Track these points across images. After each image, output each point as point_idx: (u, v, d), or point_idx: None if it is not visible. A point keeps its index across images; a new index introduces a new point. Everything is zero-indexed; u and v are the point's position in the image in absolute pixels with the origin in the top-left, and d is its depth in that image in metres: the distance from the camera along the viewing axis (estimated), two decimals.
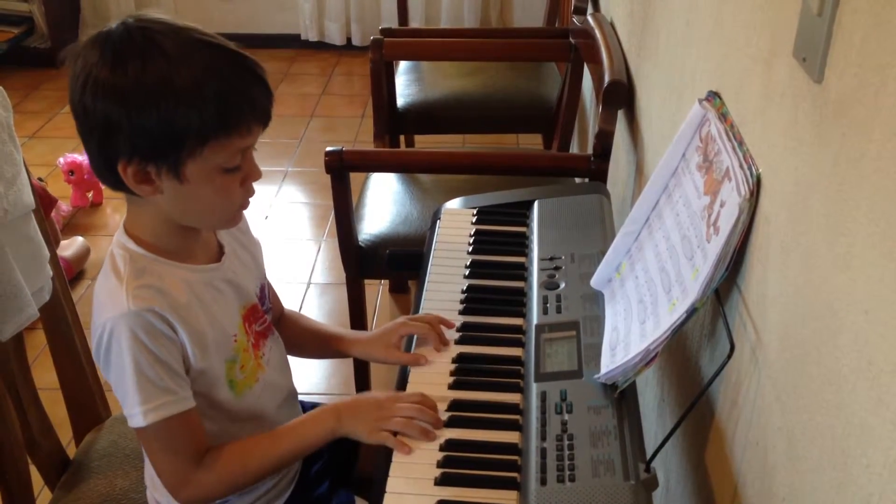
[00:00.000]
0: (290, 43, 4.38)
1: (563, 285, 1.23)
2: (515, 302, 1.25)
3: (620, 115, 1.87)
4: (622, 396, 1.01)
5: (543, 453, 0.96)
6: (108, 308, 0.99)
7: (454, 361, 1.15)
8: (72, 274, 2.63)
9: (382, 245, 1.93)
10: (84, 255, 2.72)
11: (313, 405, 1.34)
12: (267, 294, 1.21)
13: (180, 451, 1.04)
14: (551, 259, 1.30)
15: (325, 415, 1.09)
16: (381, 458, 1.02)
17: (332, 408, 1.09)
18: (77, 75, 0.94)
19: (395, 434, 1.03)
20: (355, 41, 4.36)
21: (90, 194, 3.08)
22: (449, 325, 1.20)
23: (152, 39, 0.93)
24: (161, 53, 0.92)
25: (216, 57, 0.96)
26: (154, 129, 0.93)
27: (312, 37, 4.38)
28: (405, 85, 2.64)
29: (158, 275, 1.01)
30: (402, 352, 1.19)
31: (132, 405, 0.99)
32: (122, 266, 1.00)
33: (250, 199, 1.05)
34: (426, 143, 2.97)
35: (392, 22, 3.41)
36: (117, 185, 0.98)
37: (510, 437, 1.02)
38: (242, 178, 1.01)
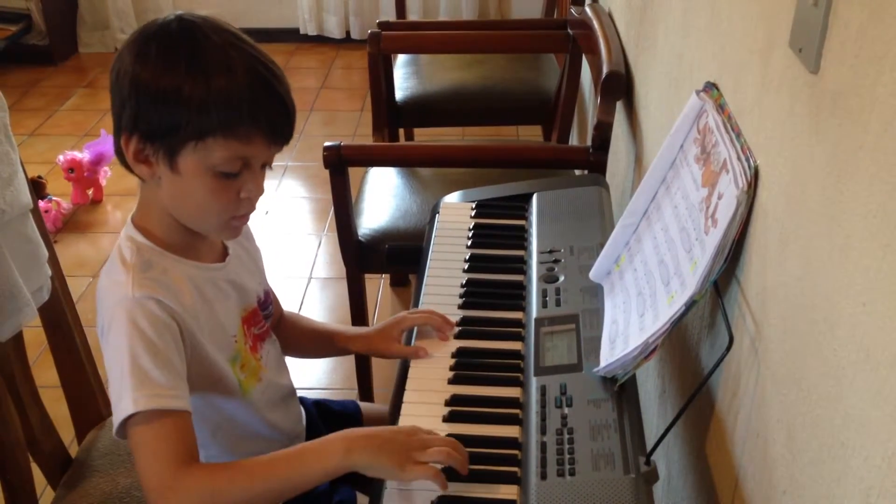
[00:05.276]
0: (288, 37, 4.38)
1: (562, 278, 1.23)
2: (515, 295, 1.25)
3: (619, 106, 1.86)
4: (622, 389, 1.01)
5: (543, 447, 0.96)
6: (111, 296, 0.99)
7: (454, 356, 1.15)
8: None
9: (382, 239, 1.92)
10: None
11: (314, 402, 1.34)
12: (270, 300, 1.21)
13: (168, 453, 0.94)
14: (550, 252, 1.29)
15: (331, 446, 0.95)
16: None
17: (340, 438, 0.96)
18: (119, 51, 1.00)
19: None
20: (354, 35, 4.36)
21: (90, 191, 3.08)
22: (449, 325, 1.19)
23: (190, 40, 0.96)
24: (186, 59, 0.95)
25: (240, 65, 0.96)
26: (154, 117, 0.96)
27: (311, 30, 4.38)
28: (404, 78, 2.63)
29: (163, 269, 1.02)
30: (401, 345, 1.19)
31: (124, 390, 0.93)
32: (129, 257, 1.01)
33: (249, 215, 1.04)
34: (425, 136, 2.96)
35: (390, 15, 3.41)
36: (127, 163, 1.01)
37: (510, 431, 1.02)
38: (239, 188, 1.00)
